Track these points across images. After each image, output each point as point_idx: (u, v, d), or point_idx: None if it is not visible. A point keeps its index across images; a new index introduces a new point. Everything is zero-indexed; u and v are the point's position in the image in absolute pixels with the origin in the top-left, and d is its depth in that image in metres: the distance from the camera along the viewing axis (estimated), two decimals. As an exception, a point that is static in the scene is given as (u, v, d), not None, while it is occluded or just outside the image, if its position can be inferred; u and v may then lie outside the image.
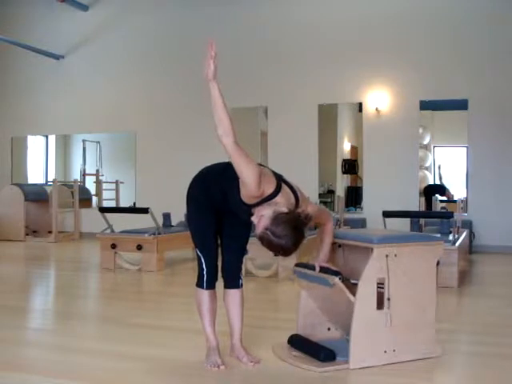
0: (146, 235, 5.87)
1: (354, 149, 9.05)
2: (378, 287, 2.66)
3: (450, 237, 5.24)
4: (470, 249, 7.28)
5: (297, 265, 2.94)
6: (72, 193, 9.66)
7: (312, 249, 3.11)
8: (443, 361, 2.78)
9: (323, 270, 2.71)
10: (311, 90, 8.65)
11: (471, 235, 7.49)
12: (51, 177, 10.39)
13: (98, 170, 10.60)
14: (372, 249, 2.65)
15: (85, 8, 9.93)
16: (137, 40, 9.69)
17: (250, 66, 8.86)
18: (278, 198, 2.45)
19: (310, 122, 8.65)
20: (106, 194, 10.45)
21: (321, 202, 8.72)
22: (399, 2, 8.33)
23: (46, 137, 10.73)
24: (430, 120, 8.72)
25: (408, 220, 7.43)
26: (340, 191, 8.90)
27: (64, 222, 9.66)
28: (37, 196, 9.58)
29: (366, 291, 2.62)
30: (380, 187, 8.29)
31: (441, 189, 8.67)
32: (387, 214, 5.64)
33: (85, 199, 10.03)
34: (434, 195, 8.25)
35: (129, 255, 6.12)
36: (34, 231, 9.52)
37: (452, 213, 5.48)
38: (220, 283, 2.77)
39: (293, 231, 2.34)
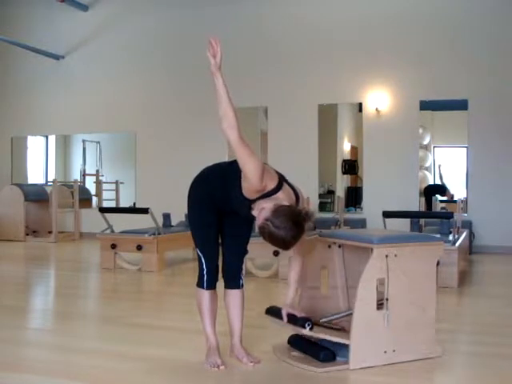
0: (146, 235, 5.87)
1: (353, 149, 9.05)
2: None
3: (450, 237, 5.24)
4: (470, 249, 7.28)
5: (267, 311, 2.86)
6: (72, 193, 9.66)
7: (312, 249, 3.11)
8: (443, 361, 2.79)
9: (291, 318, 2.67)
10: (311, 90, 8.65)
11: (471, 235, 7.49)
12: (51, 177, 10.39)
13: (97, 170, 10.60)
14: (372, 249, 2.65)
15: (85, 8, 9.93)
16: (137, 40, 9.69)
17: (250, 66, 8.86)
18: (279, 194, 2.47)
19: (310, 122, 8.65)
20: (105, 194, 10.45)
21: (321, 202, 8.74)
22: (399, 1, 8.33)
23: (46, 137, 10.73)
24: (430, 120, 8.71)
25: (408, 220, 7.43)
26: (340, 191, 8.90)
27: (64, 222, 9.65)
28: (37, 196, 9.58)
29: (365, 291, 2.61)
30: (380, 187, 8.29)
31: (441, 189, 8.67)
32: (387, 215, 5.64)
33: (85, 199, 10.03)
34: (434, 195, 8.25)
35: (129, 255, 6.12)
36: (34, 231, 9.52)
37: (452, 213, 5.48)
38: (221, 283, 2.77)
39: (293, 224, 2.34)
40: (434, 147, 8.77)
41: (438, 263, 3.06)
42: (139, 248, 5.87)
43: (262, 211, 2.39)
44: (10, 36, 9.72)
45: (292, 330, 2.82)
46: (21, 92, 10.44)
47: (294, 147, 8.66)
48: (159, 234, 5.94)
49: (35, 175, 10.87)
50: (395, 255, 2.68)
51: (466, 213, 7.78)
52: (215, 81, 2.39)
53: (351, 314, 2.67)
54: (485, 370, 2.71)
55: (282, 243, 2.38)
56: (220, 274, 2.75)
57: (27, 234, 9.31)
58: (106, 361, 2.84)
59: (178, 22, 9.42)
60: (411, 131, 8.24)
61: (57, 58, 10.10)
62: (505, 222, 7.76)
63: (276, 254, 5.23)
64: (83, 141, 10.55)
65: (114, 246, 5.94)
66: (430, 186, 8.61)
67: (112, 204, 10.09)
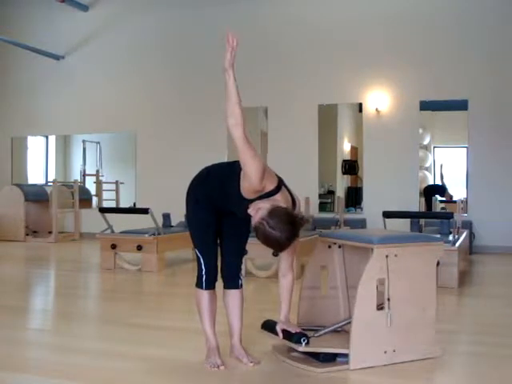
0: (146, 235, 5.88)
1: (353, 149, 9.05)
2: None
3: (450, 237, 5.23)
4: (470, 249, 7.27)
5: (263, 326, 2.86)
6: (72, 193, 9.65)
7: (312, 250, 3.11)
8: (443, 361, 2.79)
9: (286, 334, 2.67)
10: (311, 90, 8.65)
11: (471, 235, 7.49)
12: (51, 177, 10.39)
13: (98, 171, 10.60)
14: (372, 249, 2.65)
15: (85, 8, 9.93)
16: (137, 40, 9.69)
17: (250, 66, 8.85)
18: (278, 196, 2.47)
19: (310, 122, 8.65)
20: (106, 195, 10.45)
21: (321, 202, 8.73)
22: (399, 2, 8.33)
23: (46, 137, 10.73)
24: (430, 120, 8.71)
25: (408, 220, 7.43)
26: (340, 192, 8.90)
27: (64, 223, 9.66)
28: (37, 196, 9.58)
29: (366, 292, 2.61)
30: (380, 188, 8.29)
31: (440, 189, 8.67)
32: (387, 215, 5.64)
33: (85, 199, 10.02)
34: (434, 195, 8.25)
35: (129, 255, 6.12)
36: (34, 231, 9.52)
37: (452, 213, 5.47)
38: (220, 283, 2.77)
39: (288, 225, 2.34)
40: (434, 147, 8.77)
41: (438, 263, 3.06)
42: (139, 248, 5.87)
43: (258, 211, 2.39)
44: (9, 36, 9.72)
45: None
46: (21, 92, 10.44)
47: (293, 147, 8.66)
48: (159, 234, 5.94)
49: (35, 175, 10.87)
50: (395, 255, 2.68)
51: (466, 213, 7.78)
52: (226, 77, 2.39)
53: (348, 323, 2.67)
54: (485, 370, 2.71)
55: (277, 244, 2.38)
56: (219, 274, 2.75)
57: (27, 234, 9.31)
58: (105, 361, 2.84)
59: (178, 22, 9.42)
60: (411, 131, 8.24)
61: (57, 58, 10.10)
62: (505, 221, 7.75)
63: (276, 254, 5.21)
64: (83, 141, 10.55)
65: (114, 246, 5.94)
66: (429, 186, 8.61)
67: (112, 204, 10.09)
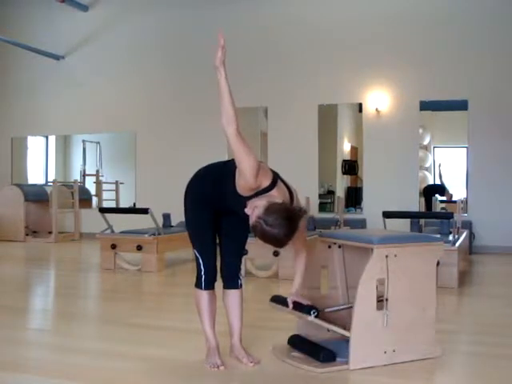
0: (146, 236, 5.88)
1: (353, 149, 9.05)
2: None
3: (450, 237, 5.23)
4: (470, 249, 7.28)
5: (272, 299, 2.88)
6: (72, 193, 9.66)
7: (312, 250, 3.11)
8: (443, 361, 2.78)
9: (297, 306, 2.68)
10: (311, 90, 8.65)
11: (471, 236, 7.49)
12: (51, 177, 10.39)
13: (97, 171, 10.61)
14: (372, 249, 2.65)
15: (85, 8, 9.93)
16: (137, 40, 9.69)
17: (250, 66, 8.86)
18: (274, 192, 2.46)
19: (310, 122, 8.65)
20: (106, 195, 10.45)
21: (321, 202, 8.73)
22: (399, 1, 8.33)
23: (46, 137, 10.73)
24: (430, 120, 8.71)
25: (408, 220, 7.43)
26: (340, 192, 8.90)
27: (64, 223, 9.66)
28: (37, 196, 9.58)
29: (365, 292, 2.61)
30: (380, 188, 8.29)
31: (440, 189, 8.67)
32: (387, 215, 5.64)
33: (85, 199, 10.03)
34: (434, 195, 8.25)
35: (129, 255, 6.12)
36: (34, 231, 9.52)
37: (452, 213, 5.47)
38: (220, 283, 2.77)
39: (285, 221, 2.32)
40: (434, 147, 8.77)
41: (438, 263, 3.06)
42: (139, 248, 5.87)
43: (255, 209, 2.38)
44: (9, 36, 9.72)
45: (296, 318, 2.82)
46: (21, 92, 10.44)
47: (294, 147, 8.66)
48: (159, 234, 5.94)
49: (35, 175, 10.87)
50: (395, 255, 2.68)
51: (466, 213, 7.78)
52: (218, 76, 2.39)
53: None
54: (485, 370, 2.70)
55: (275, 241, 2.36)
56: (218, 275, 2.75)
57: (27, 235, 9.31)
58: (105, 361, 2.83)
59: (178, 22, 9.42)
60: (411, 131, 8.24)
61: (57, 58, 10.10)
62: (505, 222, 7.76)
63: (276, 254, 5.23)
64: (83, 141, 10.55)
65: (114, 247, 5.95)
66: (429, 186, 8.61)
67: (112, 204, 10.10)
